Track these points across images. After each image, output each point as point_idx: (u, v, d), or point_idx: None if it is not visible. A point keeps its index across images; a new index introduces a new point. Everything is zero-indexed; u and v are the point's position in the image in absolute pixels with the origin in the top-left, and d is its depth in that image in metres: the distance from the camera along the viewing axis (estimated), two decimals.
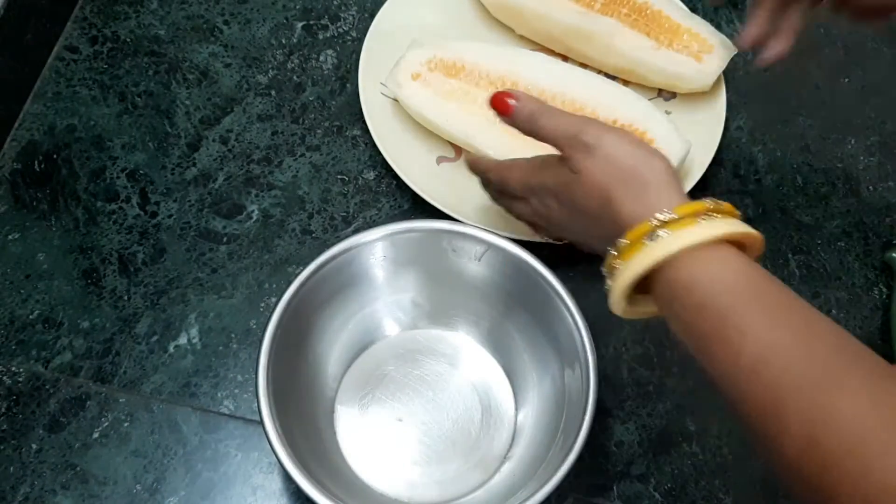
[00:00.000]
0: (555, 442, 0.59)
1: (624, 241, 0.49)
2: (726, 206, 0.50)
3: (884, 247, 0.76)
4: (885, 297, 0.74)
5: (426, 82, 0.71)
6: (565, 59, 0.80)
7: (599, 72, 0.78)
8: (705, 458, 0.67)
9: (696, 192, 0.76)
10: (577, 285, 0.62)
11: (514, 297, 0.64)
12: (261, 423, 0.56)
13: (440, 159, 0.75)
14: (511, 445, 0.65)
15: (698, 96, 0.79)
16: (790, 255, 0.75)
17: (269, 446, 0.56)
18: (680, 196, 0.51)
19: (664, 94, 0.80)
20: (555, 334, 0.62)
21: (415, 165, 0.73)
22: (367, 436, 0.65)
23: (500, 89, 0.60)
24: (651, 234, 0.48)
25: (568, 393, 0.61)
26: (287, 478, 0.65)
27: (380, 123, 0.75)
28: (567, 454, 0.56)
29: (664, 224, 0.48)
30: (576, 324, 0.60)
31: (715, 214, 0.49)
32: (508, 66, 0.72)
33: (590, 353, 0.59)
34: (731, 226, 0.49)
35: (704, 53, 0.76)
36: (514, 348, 0.66)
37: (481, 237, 0.63)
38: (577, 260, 0.65)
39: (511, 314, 0.65)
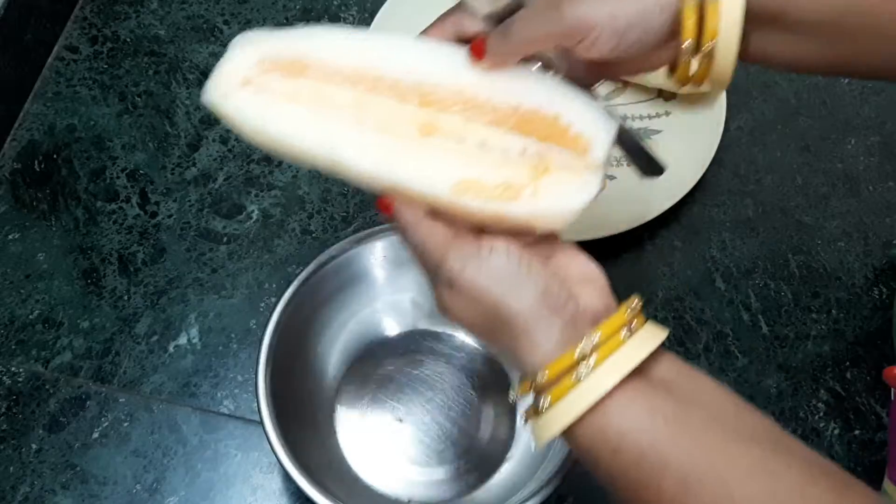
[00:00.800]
0: (555, 442, 0.59)
1: (542, 376, 0.43)
2: (636, 301, 0.46)
3: (884, 246, 0.76)
4: (885, 297, 0.74)
5: (261, 88, 0.50)
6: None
7: None
8: None
9: (696, 192, 0.76)
10: None
11: None
12: (260, 423, 0.57)
13: None
14: (511, 445, 0.65)
15: (698, 97, 0.79)
16: (790, 256, 0.75)
17: (268, 446, 0.56)
18: (559, 326, 0.43)
19: (664, 95, 0.80)
20: None
21: None
22: (367, 436, 0.65)
23: (366, 93, 0.49)
24: (574, 372, 0.42)
25: None
26: (287, 477, 0.65)
27: None
28: (567, 454, 0.56)
29: (586, 357, 0.42)
30: None
31: (631, 326, 0.44)
32: (366, 56, 0.52)
33: None
34: (651, 338, 0.44)
35: None
36: None
37: None
38: None
39: None
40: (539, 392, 0.42)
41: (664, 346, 0.45)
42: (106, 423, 0.66)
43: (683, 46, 0.47)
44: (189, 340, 0.69)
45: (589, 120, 0.49)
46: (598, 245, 0.75)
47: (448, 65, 0.50)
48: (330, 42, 0.51)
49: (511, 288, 0.43)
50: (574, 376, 0.41)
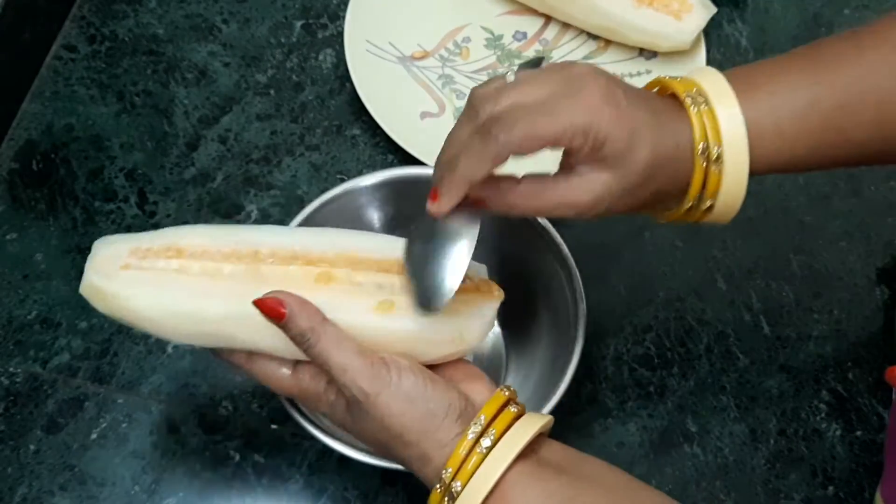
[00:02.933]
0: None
1: (447, 474, 0.44)
2: (507, 389, 0.47)
3: (886, 246, 0.76)
4: (887, 297, 0.74)
5: (144, 267, 0.49)
6: (548, 20, 0.84)
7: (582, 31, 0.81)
8: (706, 459, 0.67)
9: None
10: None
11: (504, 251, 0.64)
12: None
13: (424, 114, 0.78)
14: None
15: (678, 55, 0.81)
16: (791, 256, 0.75)
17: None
18: (458, 426, 0.45)
19: (645, 54, 0.82)
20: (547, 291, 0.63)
21: (403, 123, 0.76)
22: None
23: (251, 262, 0.49)
24: (477, 448, 0.44)
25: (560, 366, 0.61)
26: (285, 477, 0.64)
27: (364, 78, 0.77)
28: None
29: (482, 433, 0.44)
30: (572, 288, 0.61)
31: (515, 403, 0.47)
32: (238, 237, 0.51)
33: (581, 304, 0.60)
34: (539, 418, 0.46)
35: (684, 13, 0.79)
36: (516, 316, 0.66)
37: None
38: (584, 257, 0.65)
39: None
40: (449, 487, 0.44)
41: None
42: (104, 424, 0.66)
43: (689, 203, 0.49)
44: None
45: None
46: (599, 245, 0.75)
47: (317, 235, 0.52)
48: (195, 232, 0.51)
49: (420, 410, 0.45)
50: (479, 450, 0.44)
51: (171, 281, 0.48)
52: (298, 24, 0.84)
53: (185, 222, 0.73)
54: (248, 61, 0.82)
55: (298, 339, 0.46)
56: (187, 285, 0.48)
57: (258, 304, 0.46)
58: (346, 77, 0.80)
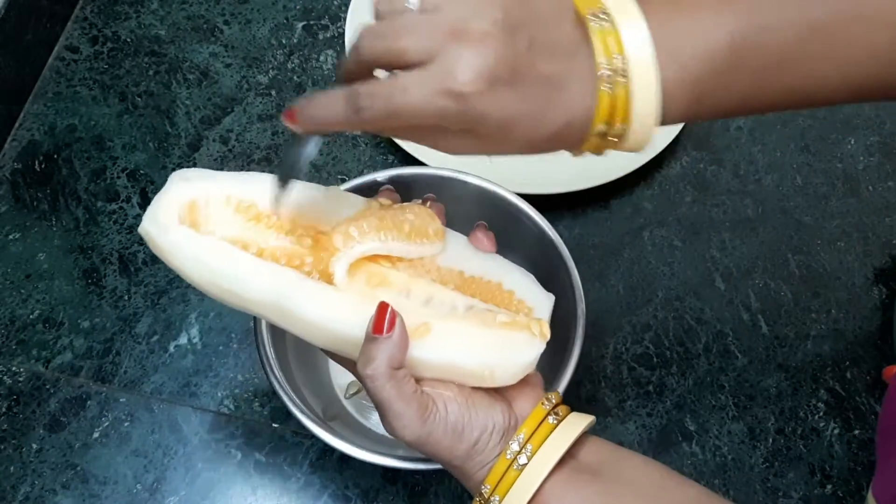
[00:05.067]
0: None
1: (486, 490, 0.46)
2: (553, 394, 0.48)
3: (883, 246, 0.76)
4: (884, 297, 0.74)
5: (197, 227, 0.48)
6: None
7: None
8: (705, 457, 0.67)
9: (696, 191, 0.76)
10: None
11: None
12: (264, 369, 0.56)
13: None
14: None
15: None
16: (790, 256, 0.75)
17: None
18: (498, 442, 0.46)
19: None
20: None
21: None
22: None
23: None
24: (515, 464, 0.45)
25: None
26: (285, 475, 0.65)
27: None
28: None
29: (521, 450, 0.46)
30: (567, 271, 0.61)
31: (556, 412, 0.47)
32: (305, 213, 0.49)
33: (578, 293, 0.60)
34: (579, 422, 0.47)
35: None
36: None
37: (467, 180, 0.63)
38: (584, 252, 0.65)
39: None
40: (489, 501, 0.45)
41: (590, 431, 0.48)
42: (106, 423, 0.66)
43: (595, 129, 0.43)
44: (189, 340, 0.69)
45: (528, 288, 0.50)
46: (598, 245, 0.75)
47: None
48: (268, 188, 0.48)
49: (466, 441, 0.46)
50: (516, 466, 0.45)
51: (221, 251, 0.46)
52: (300, 25, 0.84)
53: None
54: (249, 62, 0.82)
55: (368, 360, 0.45)
56: (235, 261, 0.46)
57: (384, 305, 0.45)
58: None
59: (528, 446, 0.46)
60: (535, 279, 0.51)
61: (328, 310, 0.45)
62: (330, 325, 0.45)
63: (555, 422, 0.47)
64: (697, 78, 0.43)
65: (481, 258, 0.50)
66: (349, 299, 0.46)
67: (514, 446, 0.46)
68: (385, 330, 0.44)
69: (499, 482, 0.45)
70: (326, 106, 0.42)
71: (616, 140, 0.44)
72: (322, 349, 0.48)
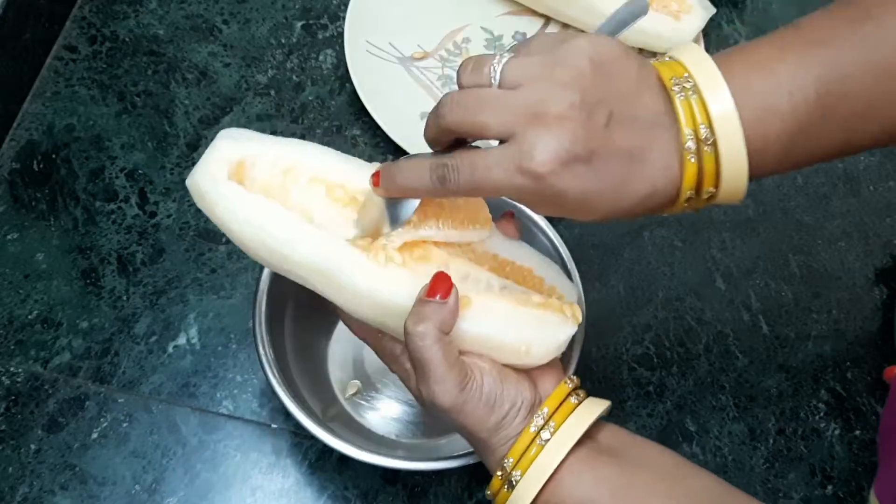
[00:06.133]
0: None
1: (509, 463, 0.47)
2: (575, 378, 0.50)
3: (884, 246, 0.76)
4: (885, 297, 0.74)
5: (247, 184, 0.48)
6: (548, 20, 0.85)
7: None
8: (705, 458, 0.67)
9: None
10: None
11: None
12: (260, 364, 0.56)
13: (424, 115, 0.77)
14: None
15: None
16: (790, 256, 0.75)
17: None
18: (522, 417, 0.48)
19: (644, 54, 0.82)
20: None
21: (403, 123, 0.76)
22: (359, 376, 0.67)
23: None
24: (538, 439, 0.47)
25: None
26: (285, 474, 0.64)
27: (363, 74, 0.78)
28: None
29: (544, 425, 0.47)
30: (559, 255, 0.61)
31: (577, 393, 0.49)
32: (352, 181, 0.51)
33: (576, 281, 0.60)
34: (598, 403, 0.49)
35: (683, 13, 0.79)
36: None
37: None
38: (586, 249, 0.65)
39: None
40: (509, 475, 0.46)
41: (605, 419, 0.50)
42: (105, 424, 0.66)
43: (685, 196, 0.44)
44: (188, 341, 0.69)
45: (556, 276, 0.53)
46: (598, 245, 0.75)
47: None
48: (316, 156, 0.51)
49: (497, 413, 0.47)
50: (539, 441, 0.46)
51: (273, 212, 0.47)
52: (299, 24, 0.84)
53: (187, 223, 0.73)
54: (248, 62, 0.82)
55: (420, 318, 0.45)
56: (288, 223, 0.47)
57: (443, 274, 0.46)
58: (346, 77, 0.80)
59: (552, 423, 0.47)
60: (560, 269, 0.54)
61: (376, 280, 0.46)
62: (377, 295, 0.46)
63: (576, 401, 0.48)
64: (785, 135, 0.44)
65: (511, 245, 0.53)
66: (396, 271, 0.47)
67: (539, 420, 0.47)
68: (442, 296, 0.45)
69: (521, 456, 0.46)
70: (412, 174, 0.45)
71: (707, 199, 0.45)
72: (355, 324, 0.50)
